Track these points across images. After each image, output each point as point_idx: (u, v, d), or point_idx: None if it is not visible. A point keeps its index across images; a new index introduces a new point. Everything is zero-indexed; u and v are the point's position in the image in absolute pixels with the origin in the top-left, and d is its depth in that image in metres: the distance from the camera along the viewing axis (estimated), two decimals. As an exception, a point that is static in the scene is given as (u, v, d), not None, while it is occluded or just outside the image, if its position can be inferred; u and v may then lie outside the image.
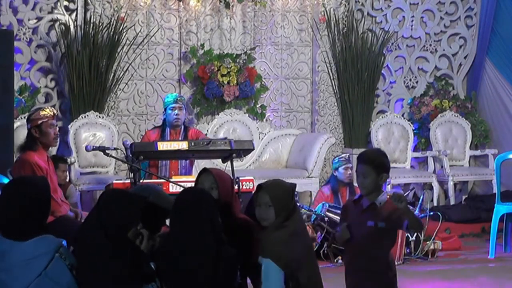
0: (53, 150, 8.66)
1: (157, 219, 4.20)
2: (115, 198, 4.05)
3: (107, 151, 6.77)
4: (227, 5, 9.77)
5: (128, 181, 6.65)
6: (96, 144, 8.26)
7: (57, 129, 6.23)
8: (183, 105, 7.85)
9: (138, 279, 3.91)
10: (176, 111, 7.72)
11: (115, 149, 7.38)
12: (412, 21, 10.62)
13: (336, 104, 10.30)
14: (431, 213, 8.23)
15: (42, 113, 6.06)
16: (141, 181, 6.55)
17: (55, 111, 6.22)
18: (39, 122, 6.02)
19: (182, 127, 7.84)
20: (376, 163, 4.48)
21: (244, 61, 9.74)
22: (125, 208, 3.95)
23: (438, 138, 10.28)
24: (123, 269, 3.85)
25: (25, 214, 3.94)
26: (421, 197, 8.54)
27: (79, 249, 3.98)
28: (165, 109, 7.85)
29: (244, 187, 6.68)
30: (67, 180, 8.43)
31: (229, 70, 9.58)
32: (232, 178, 4.83)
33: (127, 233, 3.91)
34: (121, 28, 9.27)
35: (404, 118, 10.35)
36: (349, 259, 4.62)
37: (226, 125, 9.60)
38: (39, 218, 4.00)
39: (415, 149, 10.44)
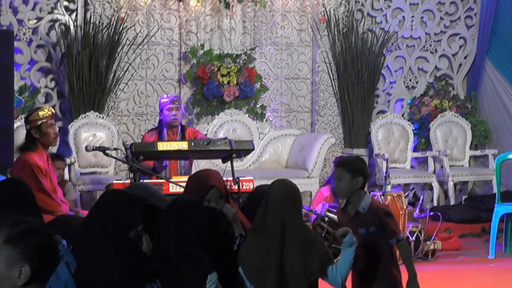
0: (53, 150, 8.66)
1: (153, 218, 4.21)
2: (116, 198, 4.05)
3: (107, 151, 6.76)
4: (227, 5, 9.77)
5: (128, 181, 6.64)
6: (96, 144, 8.25)
7: (57, 128, 6.22)
8: (180, 105, 7.85)
9: (140, 279, 3.91)
10: (173, 112, 7.71)
11: (115, 149, 7.37)
12: (412, 21, 10.61)
13: (336, 104, 10.30)
14: (431, 213, 8.24)
15: (40, 113, 6.04)
16: (141, 181, 6.54)
17: (53, 111, 6.21)
18: (39, 122, 6.01)
19: (179, 127, 7.84)
20: (351, 167, 4.50)
21: (244, 61, 9.74)
22: (125, 209, 3.95)
23: (438, 138, 10.28)
24: (124, 269, 3.85)
25: (18, 213, 3.96)
26: (421, 198, 8.55)
27: (79, 249, 3.98)
28: (161, 110, 7.83)
29: (244, 187, 6.65)
30: (67, 178, 8.42)
31: (229, 70, 9.58)
32: (223, 177, 4.81)
33: (128, 233, 3.92)
34: (121, 28, 9.28)
35: (404, 118, 10.35)
36: (353, 263, 4.62)
37: (226, 125, 9.60)
38: (32, 215, 4.01)
39: (415, 149, 10.44)
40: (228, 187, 4.88)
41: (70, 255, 3.91)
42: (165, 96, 7.96)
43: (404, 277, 4.53)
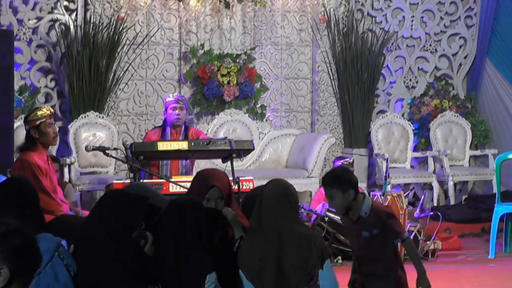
0: (53, 150, 8.67)
1: (153, 218, 4.21)
2: (118, 198, 4.05)
3: (107, 151, 6.76)
4: (227, 5, 9.77)
5: (128, 181, 6.63)
6: (96, 144, 8.25)
7: (56, 128, 6.21)
8: (184, 105, 7.86)
9: (142, 279, 3.90)
10: (177, 111, 7.73)
11: (115, 149, 7.37)
12: (412, 21, 10.61)
13: (336, 104, 10.30)
14: (431, 213, 8.24)
15: (39, 113, 6.04)
16: (141, 181, 6.55)
17: (52, 110, 6.21)
18: (38, 122, 6.01)
19: (183, 126, 7.85)
20: (337, 183, 4.48)
21: (244, 61, 9.74)
22: (128, 208, 3.95)
23: (438, 138, 10.28)
24: (126, 269, 3.84)
25: (20, 213, 3.96)
26: (422, 197, 8.55)
27: (81, 249, 3.97)
28: (166, 109, 7.85)
29: (244, 187, 6.66)
30: (67, 179, 8.41)
31: (229, 70, 9.58)
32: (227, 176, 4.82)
33: (131, 233, 3.92)
34: (121, 28, 9.28)
35: (404, 118, 10.35)
36: (357, 265, 4.63)
37: (226, 125, 9.60)
38: (34, 216, 4.01)
39: (415, 149, 10.43)
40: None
41: (70, 257, 3.89)
42: (170, 95, 7.98)
43: (413, 275, 4.52)
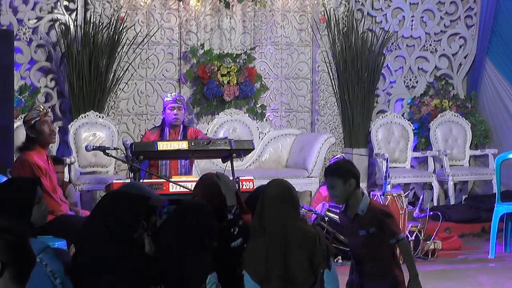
0: (53, 150, 8.67)
1: (150, 218, 4.22)
2: (119, 199, 4.05)
3: (107, 151, 6.77)
4: (227, 5, 9.77)
5: (128, 181, 6.63)
6: (96, 144, 8.25)
7: (55, 126, 6.21)
8: (182, 105, 7.86)
9: (143, 280, 3.90)
10: (175, 111, 7.73)
11: (115, 149, 7.37)
12: (412, 21, 10.61)
13: (336, 104, 10.30)
14: (431, 213, 8.24)
15: (34, 112, 6.07)
16: (141, 180, 6.55)
17: (47, 108, 6.22)
18: (33, 122, 6.03)
19: (181, 126, 7.85)
20: (340, 172, 4.50)
21: (244, 61, 9.74)
22: (129, 208, 3.95)
23: (438, 138, 10.28)
24: (127, 269, 3.84)
25: (20, 213, 3.96)
26: (421, 197, 8.55)
27: (81, 249, 3.97)
28: (164, 109, 7.85)
29: (244, 187, 6.67)
30: (67, 180, 8.41)
31: (229, 70, 9.58)
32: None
33: (132, 234, 3.92)
34: (121, 28, 9.28)
35: (404, 118, 10.35)
36: (355, 264, 4.64)
37: (226, 125, 9.60)
38: (23, 218, 4.01)
39: (415, 149, 10.43)
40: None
41: (55, 264, 3.71)
42: (168, 95, 7.98)
43: (406, 276, 4.53)
